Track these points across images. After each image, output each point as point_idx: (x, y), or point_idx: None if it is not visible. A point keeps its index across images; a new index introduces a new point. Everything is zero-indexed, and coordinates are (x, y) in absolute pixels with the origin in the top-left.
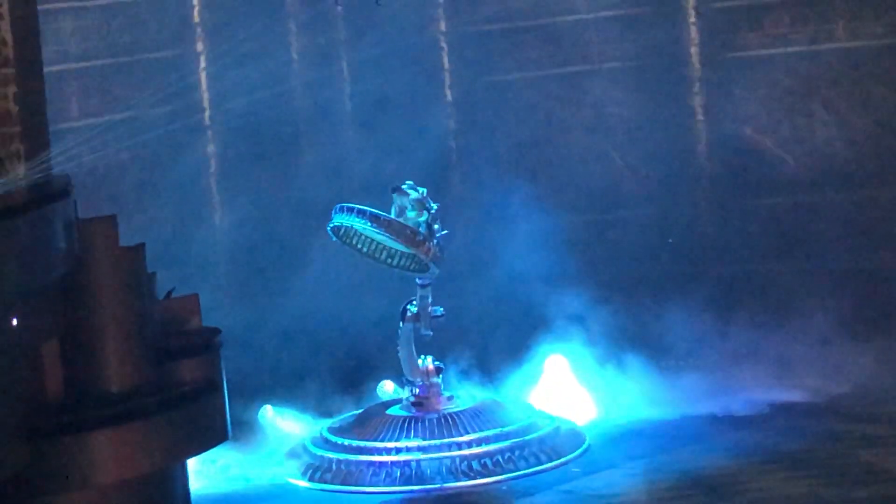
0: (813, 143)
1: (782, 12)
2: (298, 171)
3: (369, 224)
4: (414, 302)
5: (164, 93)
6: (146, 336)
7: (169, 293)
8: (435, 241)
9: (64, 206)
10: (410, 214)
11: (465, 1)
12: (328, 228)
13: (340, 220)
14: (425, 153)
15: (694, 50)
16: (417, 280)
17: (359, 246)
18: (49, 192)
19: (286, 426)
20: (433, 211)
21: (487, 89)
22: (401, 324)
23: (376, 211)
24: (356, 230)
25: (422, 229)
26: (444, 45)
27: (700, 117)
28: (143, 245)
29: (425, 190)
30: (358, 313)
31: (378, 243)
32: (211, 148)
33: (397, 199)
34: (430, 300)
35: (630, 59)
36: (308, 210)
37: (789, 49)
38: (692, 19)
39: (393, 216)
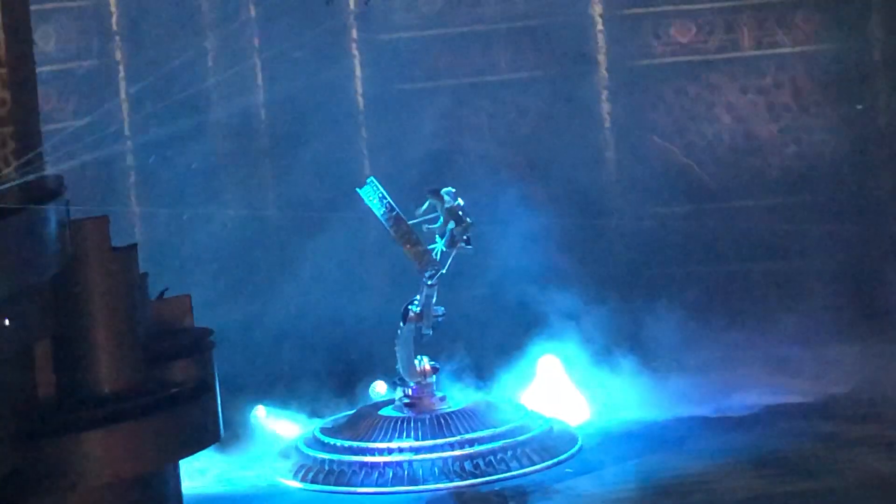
0: (720, 149)
1: (689, 21)
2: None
3: (384, 211)
4: (416, 302)
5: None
6: (138, 337)
7: (161, 294)
8: (434, 251)
9: (56, 207)
10: (441, 219)
11: (376, 9)
12: (358, 190)
13: (366, 193)
14: (338, 161)
15: (602, 59)
16: (426, 279)
17: (385, 219)
18: (41, 193)
19: (278, 426)
20: (464, 224)
21: (399, 97)
22: (401, 324)
23: (394, 204)
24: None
25: (445, 237)
26: (355, 52)
27: (608, 125)
28: (135, 245)
29: (463, 203)
30: (351, 314)
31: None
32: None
33: (431, 201)
34: (434, 299)
35: (539, 68)
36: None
37: (695, 57)
38: (599, 27)
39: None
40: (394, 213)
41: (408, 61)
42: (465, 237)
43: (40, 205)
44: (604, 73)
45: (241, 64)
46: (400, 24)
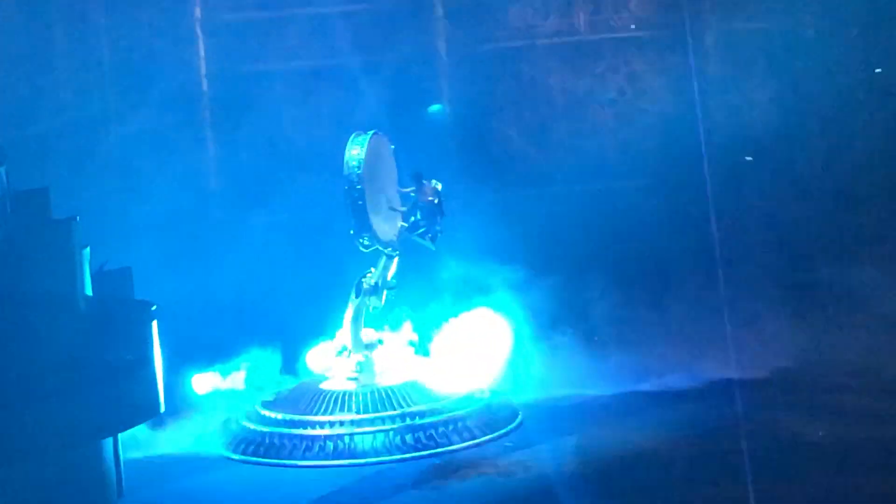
0: (556, 133)
1: (526, 5)
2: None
3: (353, 166)
4: (369, 275)
5: None
6: (78, 309)
7: (101, 266)
8: (369, 232)
9: None
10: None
11: None
12: (354, 134)
13: (354, 142)
14: (181, 145)
15: (442, 44)
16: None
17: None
18: None
19: (219, 399)
20: (429, 220)
21: (243, 79)
22: (353, 296)
23: (360, 178)
24: None
25: (407, 221)
26: (199, 33)
27: (448, 110)
28: (75, 218)
29: (437, 202)
30: (292, 286)
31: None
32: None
33: (414, 184)
34: (389, 272)
35: (376, 53)
36: None
37: (533, 41)
38: (440, 13)
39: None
40: (360, 171)
41: (253, 42)
42: (430, 234)
43: None
44: (444, 58)
45: (88, 48)
46: (244, 4)
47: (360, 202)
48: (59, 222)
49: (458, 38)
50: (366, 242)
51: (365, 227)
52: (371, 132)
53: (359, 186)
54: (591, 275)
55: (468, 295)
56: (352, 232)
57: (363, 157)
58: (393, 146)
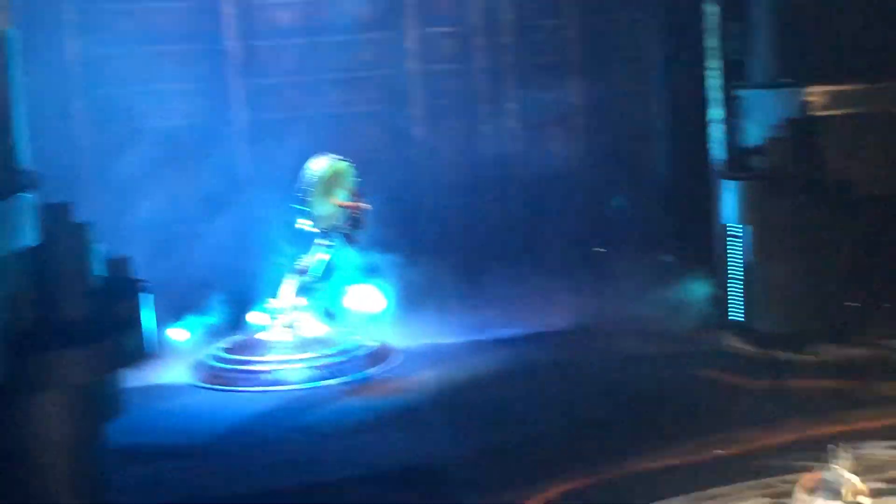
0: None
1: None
2: None
3: (311, 184)
4: (302, 259)
5: None
6: (92, 283)
7: (108, 256)
8: (308, 209)
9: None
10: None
11: None
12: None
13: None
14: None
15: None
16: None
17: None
18: (21, 183)
19: (190, 346)
20: (351, 228)
21: None
22: (289, 274)
23: (318, 177)
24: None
25: (341, 221)
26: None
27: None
28: (92, 223)
29: (358, 216)
30: (246, 271)
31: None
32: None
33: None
34: (323, 262)
35: (169, 82)
36: None
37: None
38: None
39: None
40: (319, 172)
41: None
42: (349, 241)
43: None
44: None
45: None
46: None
47: (309, 188)
48: (82, 226)
49: (249, 70)
50: (302, 220)
51: (304, 204)
52: (346, 163)
53: (315, 178)
54: (448, 260)
55: (361, 274)
56: (294, 205)
57: (325, 165)
58: (360, 179)
